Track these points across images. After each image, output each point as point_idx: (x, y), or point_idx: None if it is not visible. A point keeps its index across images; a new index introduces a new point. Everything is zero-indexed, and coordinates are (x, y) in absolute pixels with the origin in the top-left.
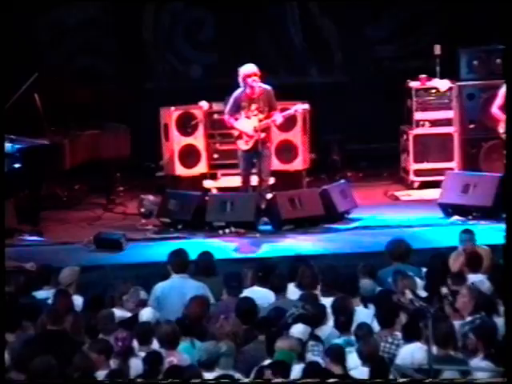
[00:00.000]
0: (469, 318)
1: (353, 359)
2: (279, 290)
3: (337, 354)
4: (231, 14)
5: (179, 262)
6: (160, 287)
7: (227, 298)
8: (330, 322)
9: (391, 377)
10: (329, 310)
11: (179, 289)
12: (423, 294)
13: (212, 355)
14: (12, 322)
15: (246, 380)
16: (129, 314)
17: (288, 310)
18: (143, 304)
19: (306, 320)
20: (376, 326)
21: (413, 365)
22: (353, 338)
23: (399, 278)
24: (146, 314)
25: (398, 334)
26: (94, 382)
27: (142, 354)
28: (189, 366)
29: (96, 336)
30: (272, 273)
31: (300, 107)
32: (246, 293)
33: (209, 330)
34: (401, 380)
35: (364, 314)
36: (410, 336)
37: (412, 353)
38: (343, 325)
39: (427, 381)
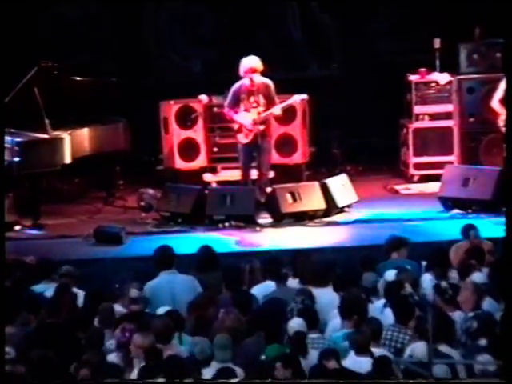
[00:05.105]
0: (472, 313)
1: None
2: (280, 280)
3: (329, 352)
4: (231, 9)
5: (165, 259)
6: (149, 286)
7: (226, 292)
8: (332, 315)
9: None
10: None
11: (169, 284)
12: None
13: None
14: (10, 313)
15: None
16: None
17: (288, 300)
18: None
19: (307, 314)
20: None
21: (413, 359)
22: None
23: (400, 271)
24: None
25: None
26: (95, 382)
27: None
28: (187, 358)
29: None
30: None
31: (298, 97)
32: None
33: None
34: (401, 380)
35: (375, 309)
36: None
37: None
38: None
39: (427, 380)
